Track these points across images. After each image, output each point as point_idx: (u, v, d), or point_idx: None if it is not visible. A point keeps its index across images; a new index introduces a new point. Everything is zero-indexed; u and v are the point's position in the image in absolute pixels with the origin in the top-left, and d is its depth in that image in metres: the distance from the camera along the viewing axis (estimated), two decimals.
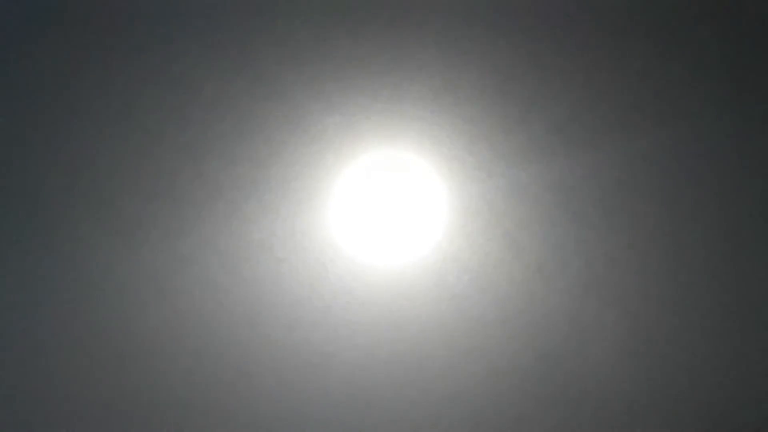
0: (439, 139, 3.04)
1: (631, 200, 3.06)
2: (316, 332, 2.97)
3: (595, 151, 3.05)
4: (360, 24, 3.06)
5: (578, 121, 3.06)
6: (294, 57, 3.04)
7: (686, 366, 3.04)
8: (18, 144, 3.00)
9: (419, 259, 3.01)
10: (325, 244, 3.00)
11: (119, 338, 2.95)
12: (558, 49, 3.08)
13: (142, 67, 3.03)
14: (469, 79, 3.05)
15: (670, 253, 3.05)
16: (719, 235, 3.07)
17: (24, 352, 2.93)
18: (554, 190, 3.04)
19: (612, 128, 3.06)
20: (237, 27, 3.04)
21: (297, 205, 3.01)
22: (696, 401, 3.02)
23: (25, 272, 2.95)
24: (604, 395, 3.01)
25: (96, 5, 3.04)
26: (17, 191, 2.98)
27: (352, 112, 3.03)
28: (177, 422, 2.94)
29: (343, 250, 3.00)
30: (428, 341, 2.99)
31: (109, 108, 3.02)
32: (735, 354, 3.04)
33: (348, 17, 3.06)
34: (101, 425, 2.94)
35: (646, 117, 3.08)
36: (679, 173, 3.07)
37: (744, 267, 3.06)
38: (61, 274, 2.96)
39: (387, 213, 3.03)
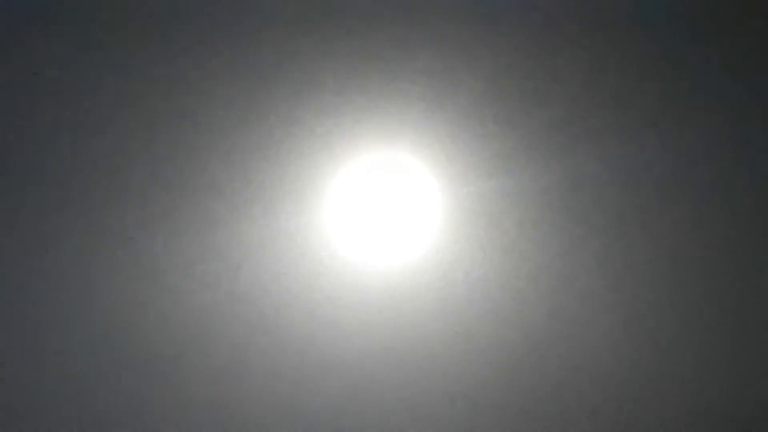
0: (435, 140, 3.03)
1: (629, 201, 3.04)
2: (313, 332, 2.98)
3: (593, 153, 3.04)
4: (358, 25, 3.05)
5: (576, 123, 3.04)
6: (292, 57, 3.04)
7: (686, 367, 3.02)
8: (18, 144, 3.02)
9: (415, 261, 3.01)
10: (322, 245, 3.01)
11: (119, 338, 2.97)
12: (557, 50, 3.06)
13: (141, 68, 3.04)
14: (467, 80, 3.04)
15: (668, 255, 3.03)
16: (719, 237, 3.05)
17: (24, 351, 2.96)
18: (551, 191, 3.03)
19: (610, 130, 3.05)
20: (235, 27, 3.05)
21: (293, 205, 3.01)
22: (696, 402, 3.01)
23: (24, 272, 2.97)
24: (603, 396, 3.00)
25: (96, 5, 3.06)
26: (17, 191, 3.00)
27: (348, 113, 3.03)
28: (176, 422, 2.96)
29: (339, 251, 3.01)
30: (424, 342, 2.99)
31: (107, 108, 3.03)
32: (735, 354, 3.02)
33: (346, 18, 3.05)
34: (102, 425, 2.96)
35: (645, 119, 3.06)
36: (678, 175, 3.05)
37: (744, 267, 3.04)
38: (61, 274, 2.98)
39: (383, 214, 3.03)
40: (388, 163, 3.02)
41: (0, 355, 2.95)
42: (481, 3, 3.07)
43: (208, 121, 3.02)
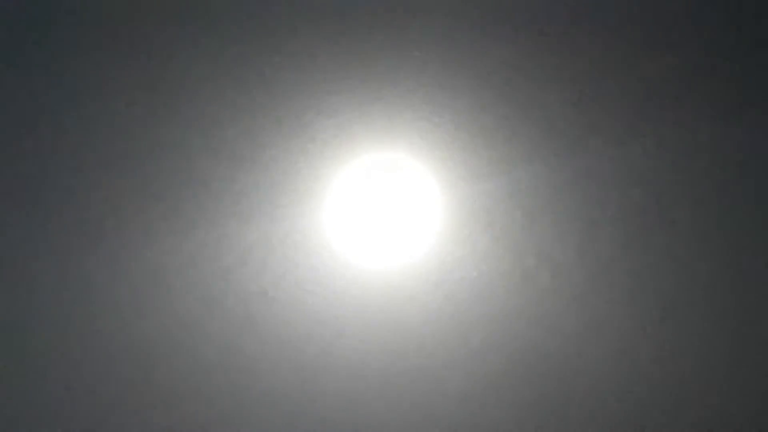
0: (434, 142, 3.03)
1: (628, 201, 3.04)
2: (311, 334, 2.98)
3: (592, 154, 3.03)
4: (357, 25, 3.05)
5: (575, 124, 3.04)
6: (290, 58, 3.04)
7: (686, 367, 3.02)
8: (18, 144, 3.02)
9: (414, 262, 3.01)
10: (320, 247, 3.01)
11: (118, 338, 2.98)
12: (556, 51, 3.06)
13: (140, 68, 3.04)
14: (466, 80, 3.04)
15: (668, 254, 3.03)
16: (718, 237, 3.05)
17: (24, 352, 2.96)
18: (551, 192, 3.02)
19: (609, 130, 3.04)
20: (234, 28, 3.04)
21: (292, 207, 3.01)
22: (696, 402, 3.01)
23: (24, 272, 2.98)
24: (603, 396, 3.00)
25: (96, 5, 3.05)
26: (17, 191, 3.00)
27: (347, 114, 3.03)
28: (176, 422, 2.96)
29: (338, 253, 3.01)
30: (423, 344, 2.99)
31: (106, 108, 3.03)
32: (736, 355, 3.02)
33: (345, 18, 3.05)
34: (102, 425, 2.96)
35: (644, 119, 3.06)
36: (677, 175, 3.05)
37: (744, 267, 3.04)
38: (61, 274, 2.99)
39: (382, 215, 3.02)
40: (387, 165, 3.02)
41: (0, 355, 2.96)
42: (482, 3, 3.06)
43: (208, 123, 3.02)
